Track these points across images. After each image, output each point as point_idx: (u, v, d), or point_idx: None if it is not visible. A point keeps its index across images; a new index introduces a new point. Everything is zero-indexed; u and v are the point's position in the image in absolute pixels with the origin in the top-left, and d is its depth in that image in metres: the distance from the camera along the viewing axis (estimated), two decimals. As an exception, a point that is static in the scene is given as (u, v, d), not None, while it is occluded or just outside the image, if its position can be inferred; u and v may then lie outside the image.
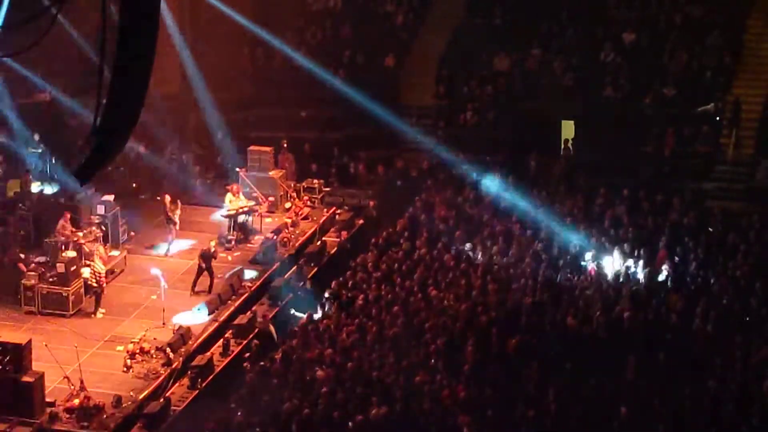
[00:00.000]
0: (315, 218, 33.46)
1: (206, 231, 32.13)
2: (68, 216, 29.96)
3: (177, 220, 31.40)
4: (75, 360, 24.62)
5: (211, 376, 25.47)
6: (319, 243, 31.81)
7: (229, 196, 32.25)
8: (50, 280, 28.05)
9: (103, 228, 30.53)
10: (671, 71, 37.82)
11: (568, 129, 37.60)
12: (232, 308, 28.11)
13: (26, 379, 23.40)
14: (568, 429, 22.75)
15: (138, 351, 25.81)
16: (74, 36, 32.52)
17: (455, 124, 38.53)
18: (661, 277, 28.91)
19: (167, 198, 31.79)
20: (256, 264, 30.50)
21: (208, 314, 27.67)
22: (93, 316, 27.86)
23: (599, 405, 23.32)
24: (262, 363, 25.47)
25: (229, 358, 26.30)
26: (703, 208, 33.27)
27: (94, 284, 27.96)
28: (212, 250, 29.43)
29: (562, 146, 37.18)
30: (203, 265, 29.11)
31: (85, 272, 28.13)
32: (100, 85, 14.30)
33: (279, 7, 40.12)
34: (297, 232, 32.49)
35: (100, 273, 28.07)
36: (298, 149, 36.60)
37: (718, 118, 36.47)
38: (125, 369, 25.39)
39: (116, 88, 13.65)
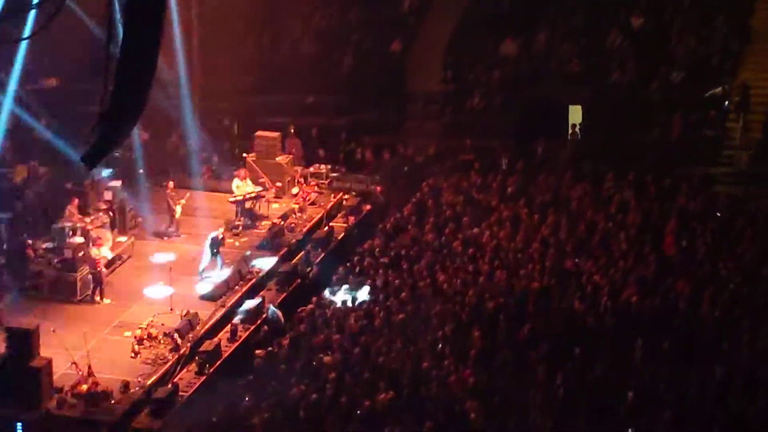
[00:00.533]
0: (322, 204, 33.46)
1: (214, 217, 32.18)
2: (76, 202, 29.98)
3: (177, 209, 31.33)
4: (83, 346, 24.63)
5: (218, 362, 25.48)
6: (326, 228, 31.81)
7: (236, 181, 32.26)
8: (58, 265, 28.08)
9: (111, 214, 30.55)
10: (678, 56, 37.72)
11: (575, 114, 37.52)
12: (239, 294, 28.13)
13: (34, 364, 23.43)
14: (575, 414, 22.73)
15: (146, 337, 25.82)
16: (83, 22, 32.47)
17: (462, 110, 38.48)
18: (667, 263, 28.86)
19: (170, 185, 31.81)
20: (263, 250, 30.52)
21: (216, 299, 27.74)
22: (95, 302, 27.85)
23: (606, 390, 23.31)
24: (270, 348, 25.51)
25: (236, 344, 26.31)
26: (710, 192, 33.22)
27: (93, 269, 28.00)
28: (220, 237, 29.43)
29: (569, 131, 37.12)
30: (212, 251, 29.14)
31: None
32: (107, 71, 14.31)
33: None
34: (304, 217, 32.50)
35: (95, 258, 28.04)
36: (305, 135, 36.63)
37: (726, 102, 36.33)
38: (133, 355, 25.41)
39: (123, 74, 13.67)
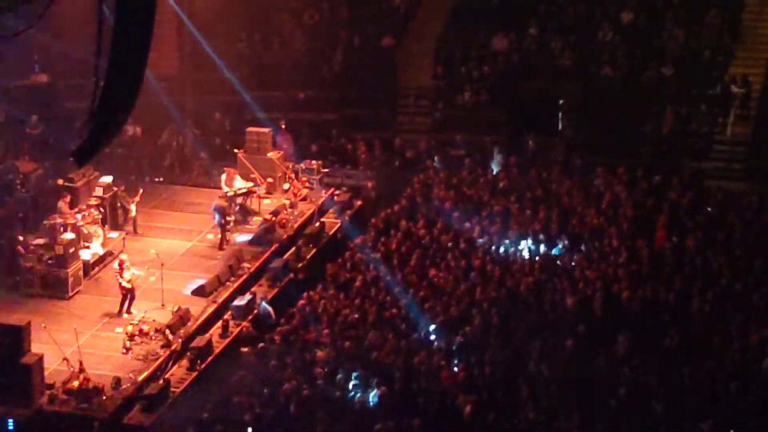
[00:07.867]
0: (313, 199, 33.42)
1: (205, 213, 32.13)
2: (67, 198, 29.92)
3: (132, 207, 31.18)
4: (74, 342, 24.62)
5: (210, 358, 25.48)
6: (317, 224, 31.78)
7: (224, 177, 32.18)
8: (49, 262, 28.03)
9: (102, 210, 30.48)
10: (669, 50, 37.76)
11: (566, 108, 37.51)
12: (231, 289, 28.12)
13: (25, 360, 23.40)
14: (567, 408, 22.76)
15: (137, 333, 25.80)
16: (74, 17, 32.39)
17: (453, 105, 38.48)
18: (659, 257, 28.87)
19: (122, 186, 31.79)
20: (255, 245, 30.51)
21: (207, 295, 27.73)
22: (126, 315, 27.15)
23: (597, 385, 23.33)
24: (261, 344, 25.50)
25: (228, 340, 26.31)
26: (701, 187, 33.26)
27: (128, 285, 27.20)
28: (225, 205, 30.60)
29: (560, 126, 37.11)
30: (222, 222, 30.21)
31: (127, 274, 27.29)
32: (98, 67, 14.29)
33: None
34: (295, 213, 32.47)
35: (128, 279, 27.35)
36: (296, 130, 36.59)
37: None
38: (124, 351, 25.40)
39: (113, 71, 13.63)
